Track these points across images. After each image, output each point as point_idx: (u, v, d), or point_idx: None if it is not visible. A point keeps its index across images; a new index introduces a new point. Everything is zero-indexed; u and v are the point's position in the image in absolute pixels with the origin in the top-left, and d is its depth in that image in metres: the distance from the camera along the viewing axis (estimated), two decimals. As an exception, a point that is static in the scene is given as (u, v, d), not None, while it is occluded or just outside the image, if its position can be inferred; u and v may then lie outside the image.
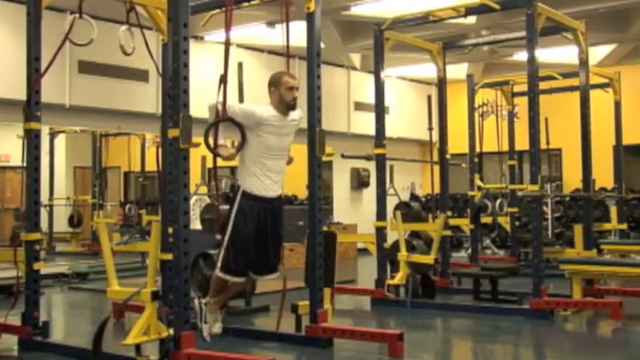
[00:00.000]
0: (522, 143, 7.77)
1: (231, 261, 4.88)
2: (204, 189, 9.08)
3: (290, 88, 4.99)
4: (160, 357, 4.41)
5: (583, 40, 7.46)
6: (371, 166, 10.95)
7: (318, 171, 5.18)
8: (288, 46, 5.17)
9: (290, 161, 5.21)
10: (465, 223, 10.32)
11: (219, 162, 5.01)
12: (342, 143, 12.52)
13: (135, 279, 7.60)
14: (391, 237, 7.50)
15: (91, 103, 10.11)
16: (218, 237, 6.71)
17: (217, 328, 5.02)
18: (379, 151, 7.34)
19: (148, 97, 10.50)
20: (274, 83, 5.04)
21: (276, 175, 5.03)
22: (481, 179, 10.37)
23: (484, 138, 10.27)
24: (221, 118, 4.78)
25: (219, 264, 4.93)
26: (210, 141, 4.77)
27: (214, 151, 4.78)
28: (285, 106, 5.00)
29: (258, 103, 5.06)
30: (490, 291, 7.15)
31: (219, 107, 4.82)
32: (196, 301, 4.98)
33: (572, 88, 9.08)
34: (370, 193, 11.67)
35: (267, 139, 4.92)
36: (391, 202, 8.02)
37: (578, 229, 8.07)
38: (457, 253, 11.88)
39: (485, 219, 10.38)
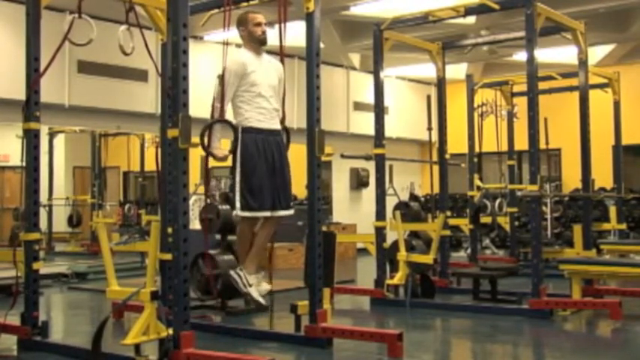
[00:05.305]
0: (522, 143, 7.76)
1: (248, 197, 4.94)
2: (203, 189, 9.07)
3: (257, 24, 5.18)
4: (159, 357, 4.40)
5: (582, 40, 7.45)
6: (370, 166, 10.96)
7: (318, 171, 5.17)
8: (282, 46, 5.30)
9: (283, 119, 5.31)
10: (464, 223, 10.31)
11: (218, 163, 5.04)
12: (341, 143, 12.51)
13: (134, 279, 7.60)
14: (390, 237, 7.50)
15: (91, 103, 10.11)
16: (217, 237, 6.73)
17: (264, 287, 5.09)
18: (378, 151, 7.34)
19: (148, 97, 10.50)
20: (242, 22, 5.21)
21: (269, 112, 5.13)
22: (480, 179, 10.36)
23: (483, 138, 10.27)
24: (217, 119, 4.79)
25: (237, 204, 4.96)
26: (205, 141, 4.79)
27: (208, 151, 4.81)
28: (257, 42, 5.19)
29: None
30: (489, 291, 7.15)
31: (217, 104, 4.85)
32: (232, 272, 5.06)
33: (571, 88, 9.06)
34: (369, 193, 11.67)
35: (252, 77, 5.06)
36: (390, 202, 8.01)
37: (577, 229, 8.07)
38: (456, 253, 11.89)
39: (485, 219, 10.37)
